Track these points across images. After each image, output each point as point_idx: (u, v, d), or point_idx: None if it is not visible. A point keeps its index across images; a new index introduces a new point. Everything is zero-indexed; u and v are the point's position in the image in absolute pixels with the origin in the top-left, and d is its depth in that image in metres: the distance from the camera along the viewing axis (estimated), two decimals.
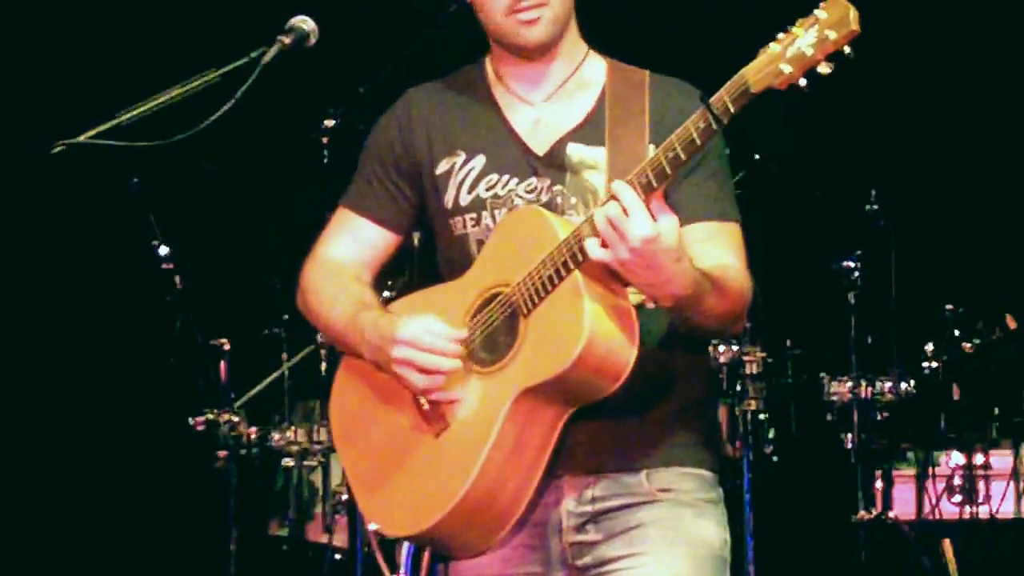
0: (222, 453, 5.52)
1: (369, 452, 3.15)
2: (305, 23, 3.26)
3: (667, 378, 3.04)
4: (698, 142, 2.74)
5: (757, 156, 5.97)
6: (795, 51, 2.66)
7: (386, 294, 5.08)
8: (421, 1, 4.76)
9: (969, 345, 6.39)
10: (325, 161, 4.86)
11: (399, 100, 3.23)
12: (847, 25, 2.64)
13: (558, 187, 3.05)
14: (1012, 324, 6.37)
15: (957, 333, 6.41)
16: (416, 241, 4.01)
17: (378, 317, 3.07)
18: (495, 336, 2.97)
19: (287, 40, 3.22)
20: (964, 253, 6.86)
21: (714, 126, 2.72)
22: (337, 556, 5.76)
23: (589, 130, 3.06)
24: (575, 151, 3.06)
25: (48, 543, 6.52)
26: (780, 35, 2.69)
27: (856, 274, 6.18)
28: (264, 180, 6.46)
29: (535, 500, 3.00)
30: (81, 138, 3.06)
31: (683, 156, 2.75)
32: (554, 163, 3.06)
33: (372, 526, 4.80)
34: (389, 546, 5.04)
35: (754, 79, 2.69)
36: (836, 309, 6.19)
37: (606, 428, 2.99)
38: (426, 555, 5.04)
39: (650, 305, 2.94)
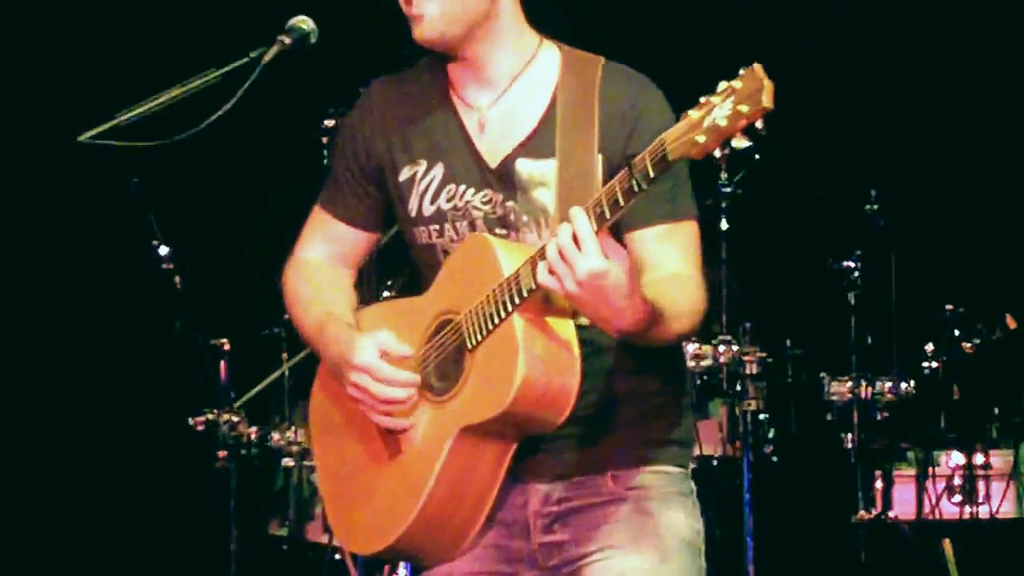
0: (222, 453, 5.52)
1: (337, 462, 3.17)
2: (305, 23, 3.26)
3: (631, 384, 3.03)
4: (621, 203, 2.70)
5: (757, 156, 5.97)
6: (710, 122, 2.59)
7: (386, 294, 5.10)
8: None
9: (969, 345, 6.39)
10: (325, 161, 4.86)
11: (361, 100, 3.19)
12: (759, 102, 2.55)
13: (510, 203, 3.02)
14: (1012, 324, 6.37)
15: (957, 333, 6.41)
16: None
17: (340, 332, 3.06)
18: (446, 364, 2.97)
19: (287, 40, 3.22)
20: (964, 253, 6.85)
21: (636, 189, 2.68)
22: (337, 556, 5.76)
23: (538, 142, 3.01)
24: (524, 167, 3.01)
25: (48, 543, 6.52)
26: (702, 98, 2.62)
27: (856, 274, 6.17)
28: (264, 180, 6.46)
29: (502, 501, 3.00)
30: (82, 137, 3.06)
31: (608, 214, 2.71)
32: (505, 178, 3.02)
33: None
34: None
35: (672, 147, 2.64)
36: (836, 309, 6.19)
37: (570, 435, 2.98)
38: None
39: None
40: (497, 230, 3.02)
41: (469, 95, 3.08)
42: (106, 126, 3.07)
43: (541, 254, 2.79)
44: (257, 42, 3.21)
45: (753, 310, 6.03)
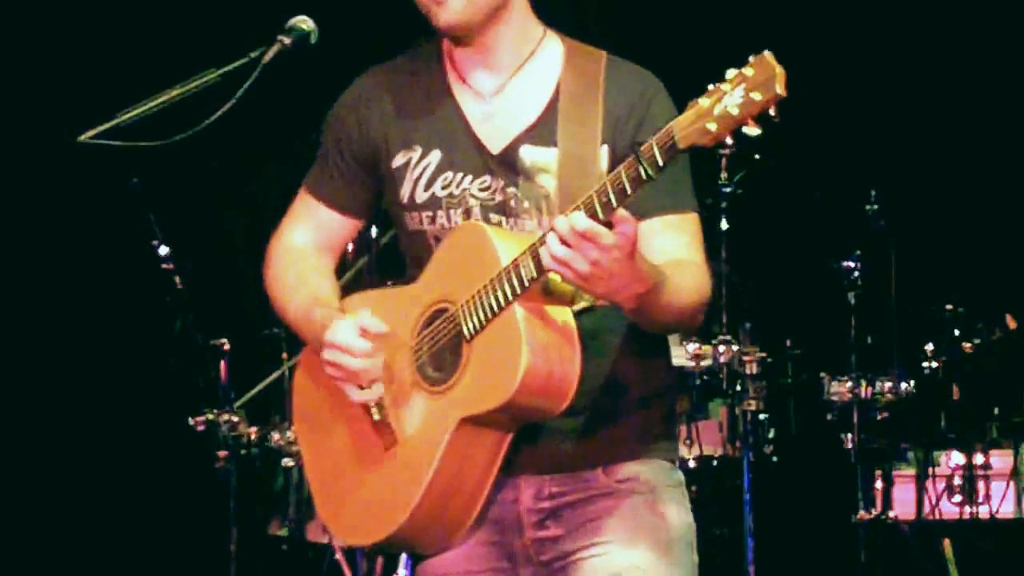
0: (222, 453, 5.52)
1: (326, 455, 3.16)
2: (305, 23, 3.26)
3: (622, 377, 3.03)
4: (629, 191, 2.69)
5: (757, 156, 5.97)
6: (721, 109, 2.58)
7: None
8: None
9: (969, 345, 6.39)
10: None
11: (354, 84, 3.20)
12: (771, 89, 2.54)
13: (511, 189, 3.01)
14: (1012, 324, 6.38)
15: (957, 333, 6.42)
16: None
17: (324, 316, 3.05)
18: (442, 354, 2.96)
19: (287, 40, 3.22)
20: (964, 253, 6.86)
21: (644, 177, 2.67)
22: (337, 556, 5.76)
23: (542, 130, 3.01)
24: (527, 154, 3.01)
25: (48, 543, 6.52)
26: (711, 86, 2.60)
27: (856, 274, 6.17)
28: (264, 180, 6.46)
29: (493, 498, 3.01)
30: (82, 138, 3.06)
31: (615, 202, 2.70)
32: (507, 164, 3.02)
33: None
34: None
35: (680, 135, 2.62)
36: (836, 309, 6.19)
37: (561, 429, 2.99)
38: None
39: (601, 302, 2.93)
40: (492, 216, 3.02)
41: (475, 80, 3.08)
42: (106, 126, 3.07)
43: (542, 241, 2.78)
44: (257, 42, 3.21)
45: (753, 310, 6.03)
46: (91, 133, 3.07)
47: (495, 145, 3.04)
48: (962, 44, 6.89)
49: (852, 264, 6.17)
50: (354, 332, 2.97)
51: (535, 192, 3.00)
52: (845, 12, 6.93)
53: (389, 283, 5.12)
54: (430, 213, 3.06)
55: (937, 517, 6.46)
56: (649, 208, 2.93)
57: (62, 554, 6.55)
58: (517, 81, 3.07)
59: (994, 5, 6.90)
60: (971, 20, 6.88)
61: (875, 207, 6.22)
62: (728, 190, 5.89)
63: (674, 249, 2.94)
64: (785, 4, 6.90)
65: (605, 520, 3.00)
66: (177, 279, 5.28)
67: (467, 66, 3.08)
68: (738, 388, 5.90)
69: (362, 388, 3.01)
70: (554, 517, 3.02)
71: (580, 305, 2.95)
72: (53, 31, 6.45)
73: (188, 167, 5.56)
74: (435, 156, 3.07)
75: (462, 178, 3.04)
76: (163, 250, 5.24)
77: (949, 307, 6.44)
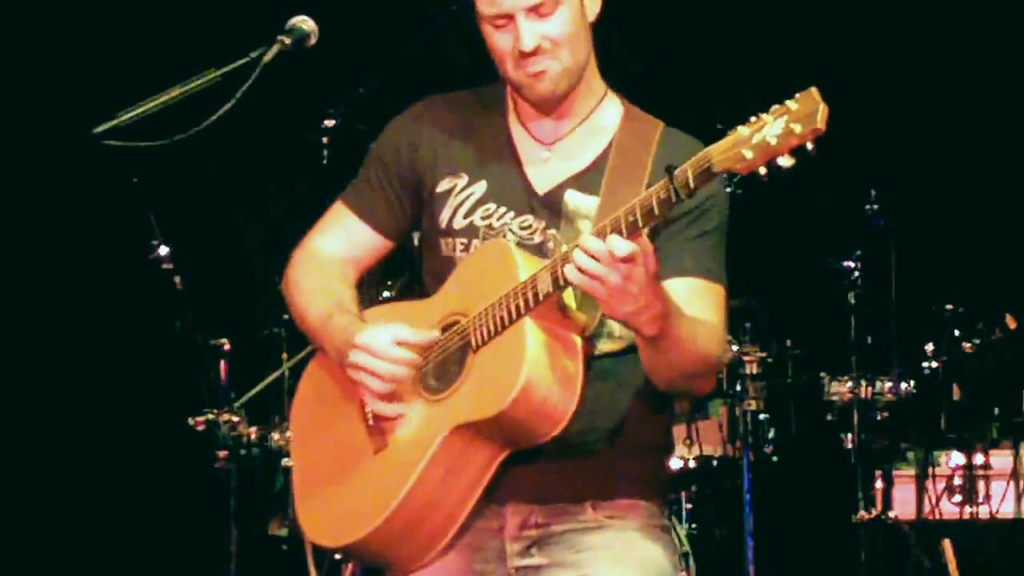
0: (222, 453, 5.51)
1: (315, 457, 3.19)
2: (305, 23, 3.26)
3: (626, 424, 3.03)
4: (656, 212, 2.71)
5: None
6: (760, 139, 2.61)
7: (386, 294, 5.10)
8: (422, 1, 4.77)
9: (969, 345, 6.39)
10: (325, 161, 4.86)
11: (415, 106, 3.21)
12: (813, 122, 2.57)
13: (552, 231, 3.03)
14: (1012, 324, 6.37)
15: (957, 333, 6.42)
16: (416, 241, 4.01)
17: (348, 323, 3.07)
18: (447, 364, 2.97)
19: (287, 40, 3.23)
20: (964, 253, 6.86)
21: (674, 199, 2.68)
22: (337, 556, 5.75)
23: (589, 178, 3.04)
24: (572, 199, 3.03)
25: (48, 543, 6.52)
26: (752, 118, 2.63)
27: (856, 274, 6.17)
28: (264, 180, 6.46)
29: (476, 525, 3.01)
30: (96, 130, 3.06)
31: (640, 224, 2.72)
32: (551, 207, 3.04)
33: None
34: None
35: (717, 159, 2.64)
36: (836, 309, 6.19)
37: (553, 461, 2.98)
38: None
39: (613, 346, 2.94)
40: None
41: (536, 128, 3.10)
42: (107, 126, 3.07)
43: (564, 258, 2.79)
44: (257, 42, 3.21)
45: (758, 313, 6.03)
46: (92, 133, 3.08)
47: (542, 186, 3.06)
48: (962, 44, 6.89)
49: (852, 264, 6.17)
50: (389, 340, 2.98)
51: (575, 237, 2.98)
52: (845, 12, 6.93)
53: (388, 283, 5.16)
54: (464, 240, 3.08)
55: (937, 517, 6.46)
56: (684, 268, 2.95)
57: (62, 554, 6.54)
58: (576, 134, 3.09)
59: (993, 5, 6.89)
60: (970, 20, 6.88)
61: (875, 207, 6.22)
62: (728, 190, 5.88)
63: (698, 310, 2.93)
64: (785, 5, 6.89)
65: (591, 552, 3.01)
66: (177, 279, 5.27)
67: (532, 114, 3.10)
68: (738, 388, 5.90)
69: (383, 396, 3.00)
70: (539, 546, 3.02)
71: (601, 350, 2.97)
72: (53, 32, 6.45)
73: (188, 167, 5.56)
74: (480, 186, 3.09)
75: (504, 212, 3.06)
76: (163, 250, 5.24)
77: (949, 307, 6.44)
